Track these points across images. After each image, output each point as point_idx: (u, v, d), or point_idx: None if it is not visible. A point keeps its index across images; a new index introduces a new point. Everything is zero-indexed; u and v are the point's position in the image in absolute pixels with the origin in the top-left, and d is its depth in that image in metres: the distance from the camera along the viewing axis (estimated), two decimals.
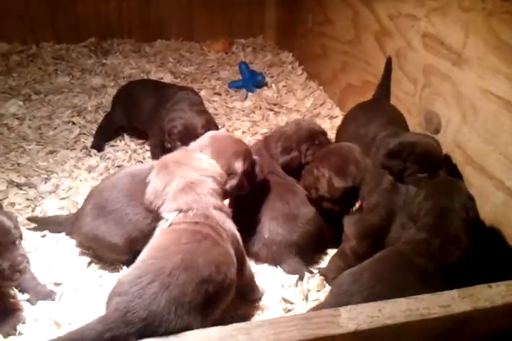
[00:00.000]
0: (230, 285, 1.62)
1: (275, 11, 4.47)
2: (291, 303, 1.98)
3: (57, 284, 2.04)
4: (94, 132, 3.05)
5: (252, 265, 2.07)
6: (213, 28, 4.41)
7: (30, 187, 2.60)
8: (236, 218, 1.86)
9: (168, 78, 3.77)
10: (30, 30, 4.05)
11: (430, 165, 2.04)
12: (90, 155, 2.91)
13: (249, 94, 3.68)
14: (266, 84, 3.81)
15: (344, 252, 2.07)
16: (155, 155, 2.81)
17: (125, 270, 2.03)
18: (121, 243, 2.02)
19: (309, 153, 2.39)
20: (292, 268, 2.12)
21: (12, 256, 1.71)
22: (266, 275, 2.13)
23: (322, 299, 1.95)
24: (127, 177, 2.09)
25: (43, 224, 2.32)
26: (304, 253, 2.17)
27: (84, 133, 3.09)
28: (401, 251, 1.79)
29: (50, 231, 2.31)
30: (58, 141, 3.00)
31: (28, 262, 1.76)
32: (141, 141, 3.06)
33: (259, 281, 2.06)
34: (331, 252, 2.24)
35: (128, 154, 2.93)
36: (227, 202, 2.13)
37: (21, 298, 1.97)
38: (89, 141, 3.01)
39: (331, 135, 2.80)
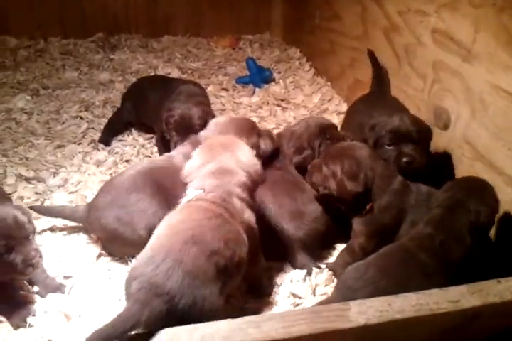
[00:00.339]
0: (239, 262, 1.63)
1: (282, 7, 4.47)
2: (300, 298, 1.99)
3: (66, 277, 2.06)
4: (101, 127, 3.07)
5: None
6: (221, 23, 4.42)
7: (38, 181, 2.62)
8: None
9: (175, 73, 3.78)
10: (38, 26, 4.07)
11: (397, 140, 2.17)
12: (98, 150, 2.92)
13: (257, 89, 3.68)
14: (273, 80, 3.80)
15: (353, 248, 2.07)
16: (159, 150, 2.83)
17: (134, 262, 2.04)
18: (144, 235, 2.00)
19: (322, 149, 2.36)
20: (300, 264, 2.13)
21: (25, 251, 1.72)
22: (274, 271, 2.13)
23: (330, 294, 1.96)
24: (145, 171, 2.16)
25: (47, 214, 2.29)
26: (310, 250, 2.17)
27: (92, 128, 3.10)
28: (406, 246, 1.79)
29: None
30: (66, 135, 3.02)
31: (40, 256, 1.78)
32: (149, 136, 3.06)
33: (268, 276, 2.06)
34: (340, 247, 2.24)
35: (136, 149, 2.94)
36: None
37: (31, 290, 1.98)
38: (97, 135, 3.02)
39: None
